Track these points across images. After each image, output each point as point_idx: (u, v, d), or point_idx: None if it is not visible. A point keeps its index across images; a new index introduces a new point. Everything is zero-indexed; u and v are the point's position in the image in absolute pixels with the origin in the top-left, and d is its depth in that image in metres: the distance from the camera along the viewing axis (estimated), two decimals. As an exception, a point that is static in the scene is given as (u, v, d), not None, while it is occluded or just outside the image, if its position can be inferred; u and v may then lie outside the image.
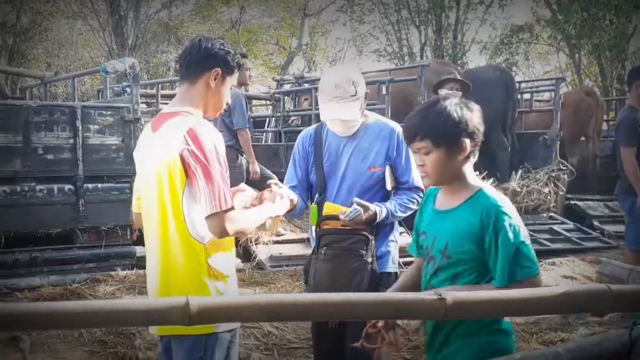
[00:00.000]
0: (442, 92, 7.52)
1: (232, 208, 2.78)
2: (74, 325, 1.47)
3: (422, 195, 3.76)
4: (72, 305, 1.47)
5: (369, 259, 3.58)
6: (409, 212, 3.74)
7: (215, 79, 2.98)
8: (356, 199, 3.54)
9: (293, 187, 3.81)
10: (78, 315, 1.42)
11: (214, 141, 2.82)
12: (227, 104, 3.11)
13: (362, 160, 3.68)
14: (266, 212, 3.08)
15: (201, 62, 2.99)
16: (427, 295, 1.77)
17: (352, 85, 3.58)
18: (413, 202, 3.71)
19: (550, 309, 1.91)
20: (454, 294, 1.79)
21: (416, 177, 3.74)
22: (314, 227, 3.78)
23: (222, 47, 3.01)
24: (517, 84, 11.49)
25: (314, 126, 3.94)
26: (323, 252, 3.63)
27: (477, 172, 9.51)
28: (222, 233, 2.77)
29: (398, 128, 3.76)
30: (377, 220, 3.57)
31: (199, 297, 1.58)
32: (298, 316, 1.70)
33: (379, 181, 3.69)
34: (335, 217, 3.59)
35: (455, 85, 7.58)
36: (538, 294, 1.90)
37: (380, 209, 3.57)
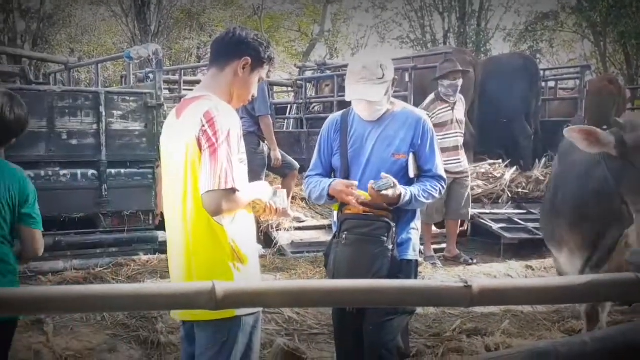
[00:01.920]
0: (445, 82, 7.50)
1: (234, 189, 2.77)
2: (104, 308, 1.48)
3: (444, 184, 3.76)
4: (101, 288, 1.48)
5: (390, 246, 3.58)
6: (432, 200, 3.74)
7: (244, 68, 2.98)
8: (384, 174, 3.53)
9: (318, 174, 3.83)
10: (106, 298, 1.43)
11: (229, 124, 2.82)
12: (252, 96, 3.10)
13: (387, 147, 3.68)
14: (254, 193, 3.06)
15: (233, 48, 2.99)
16: (454, 282, 1.76)
17: (379, 68, 3.59)
18: (436, 190, 3.71)
19: (576, 298, 1.89)
20: (480, 281, 1.78)
21: (439, 166, 3.75)
22: (336, 212, 3.79)
23: (256, 38, 3.02)
24: (542, 72, 11.38)
25: (340, 112, 3.94)
26: (344, 236, 3.65)
27: (501, 160, 9.57)
28: (216, 211, 2.77)
29: (425, 116, 3.79)
30: (401, 202, 3.56)
31: (225, 282, 1.59)
32: (323, 302, 1.69)
33: (402, 168, 3.68)
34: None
35: (457, 75, 7.55)
36: (564, 282, 1.88)
37: (405, 191, 3.56)
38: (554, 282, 1.88)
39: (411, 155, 3.69)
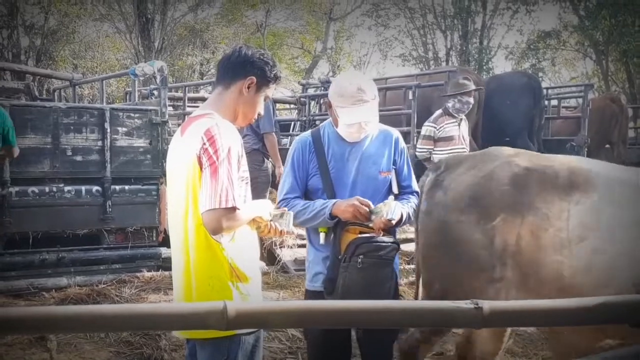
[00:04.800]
0: (464, 98, 7.51)
1: (234, 208, 2.75)
2: (116, 328, 1.47)
3: (417, 200, 3.80)
4: (114, 308, 1.48)
5: (395, 267, 3.59)
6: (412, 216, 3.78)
7: (249, 87, 2.97)
8: (391, 198, 3.53)
9: (297, 197, 3.68)
10: (118, 318, 1.42)
11: (229, 142, 2.81)
12: (258, 114, 3.10)
13: (372, 165, 3.64)
14: (254, 211, 3.03)
15: (238, 67, 2.98)
16: (464, 304, 1.75)
17: (373, 87, 3.57)
18: (416, 206, 3.77)
19: (590, 319, 1.88)
20: (490, 302, 1.77)
21: (415, 181, 3.82)
22: (322, 234, 3.64)
23: (261, 57, 3.01)
24: (545, 90, 11.40)
25: (309, 132, 3.84)
26: (360, 260, 3.50)
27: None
28: (216, 229, 2.75)
29: (399, 135, 3.80)
30: (401, 224, 3.57)
31: (237, 303, 1.58)
32: (335, 322, 1.68)
33: (388, 185, 3.70)
34: (358, 224, 3.53)
35: (470, 93, 7.57)
36: (577, 304, 1.87)
37: (403, 210, 3.57)
38: (566, 303, 1.86)
39: (393, 171, 3.71)
